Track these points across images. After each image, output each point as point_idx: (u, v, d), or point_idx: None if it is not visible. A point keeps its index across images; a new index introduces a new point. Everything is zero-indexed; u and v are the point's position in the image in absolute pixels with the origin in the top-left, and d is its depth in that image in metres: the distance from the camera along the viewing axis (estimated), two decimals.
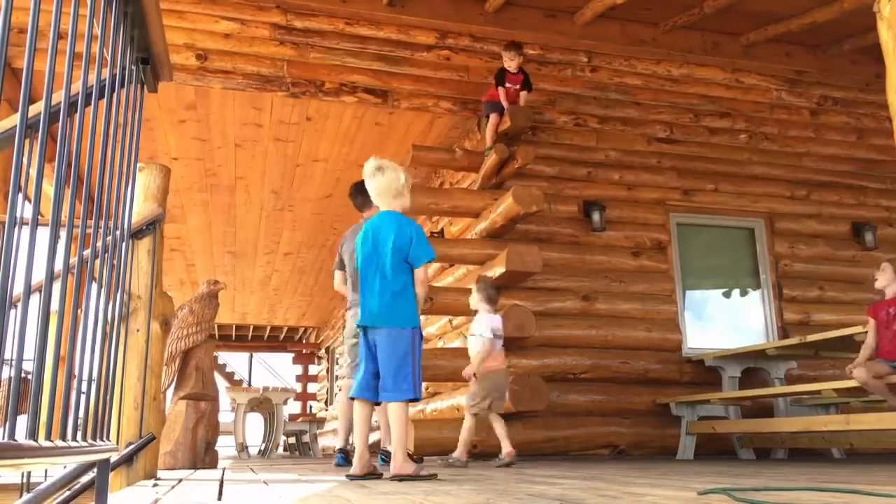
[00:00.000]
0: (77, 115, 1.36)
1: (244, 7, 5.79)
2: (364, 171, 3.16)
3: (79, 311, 1.41)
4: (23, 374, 1.68)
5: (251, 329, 17.74)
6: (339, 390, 3.71)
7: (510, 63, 5.69)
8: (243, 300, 13.91)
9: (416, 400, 2.91)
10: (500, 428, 4.32)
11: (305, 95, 5.83)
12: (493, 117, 5.81)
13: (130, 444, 2.80)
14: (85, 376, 1.49)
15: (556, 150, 6.27)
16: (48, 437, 1.13)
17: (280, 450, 12.10)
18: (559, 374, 5.66)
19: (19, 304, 1.06)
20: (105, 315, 1.62)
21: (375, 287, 2.99)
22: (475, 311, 4.46)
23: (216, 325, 8.81)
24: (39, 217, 1.19)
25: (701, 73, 6.82)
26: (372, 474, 2.96)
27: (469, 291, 5.68)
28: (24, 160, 1.07)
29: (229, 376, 19.77)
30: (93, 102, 1.38)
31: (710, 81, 6.85)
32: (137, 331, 2.92)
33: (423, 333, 3.11)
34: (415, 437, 5.11)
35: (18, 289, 1.10)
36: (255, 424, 10.77)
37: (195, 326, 5.65)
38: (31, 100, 1.09)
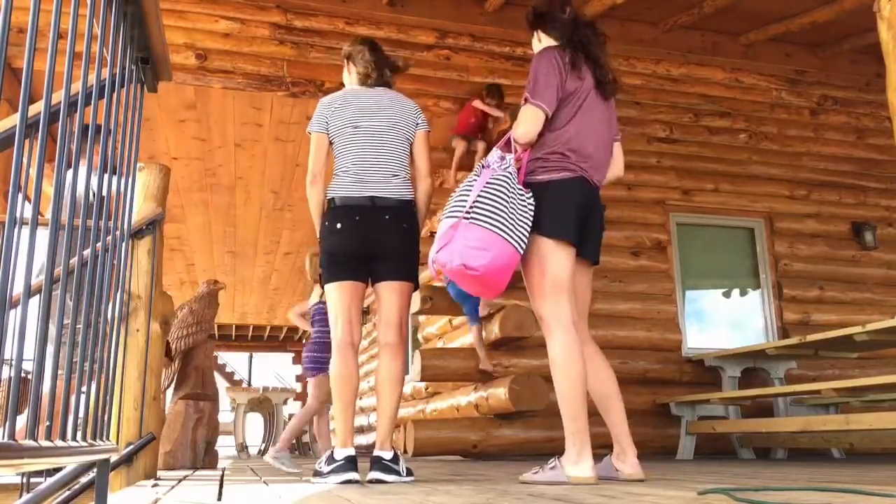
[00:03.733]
0: (77, 115, 1.36)
1: (244, 7, 5.79)
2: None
3: (78, 311, 1.41)
4: (23, 374, 1.68)
5: (251, 329, 17.74)
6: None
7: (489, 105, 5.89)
8: (243, 300, 13.91)
9: None
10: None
11: (305, 95, 5.83)
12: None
13: (130, 444, 2.80)
14: (85, 376, 1.49)
15: None
16: (48, 437, 1.13)
17: None
18: None
19: (19, 305, 1.06)
20: (105, 315, 1.62)
21: None
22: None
23: (216, 325, 8.81)
24: (39, 217, 1.19)
25: (701, 72, 6.81)
26: None
27: None
28: (24, 160, 1.07)
29: (229, 376, 19.79)
30: (93, 102, 1.38)
31: (710, 81, 6.84)
32: (137, 331, 2.92)
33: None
34: (415, 438, 5.12)
35: (18, 289, 1.10)
36: (255, 424, 10.76)
37: (195, 326, 5.66)
38: (31, 100, 1.09)
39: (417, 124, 3.11)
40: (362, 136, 2.95)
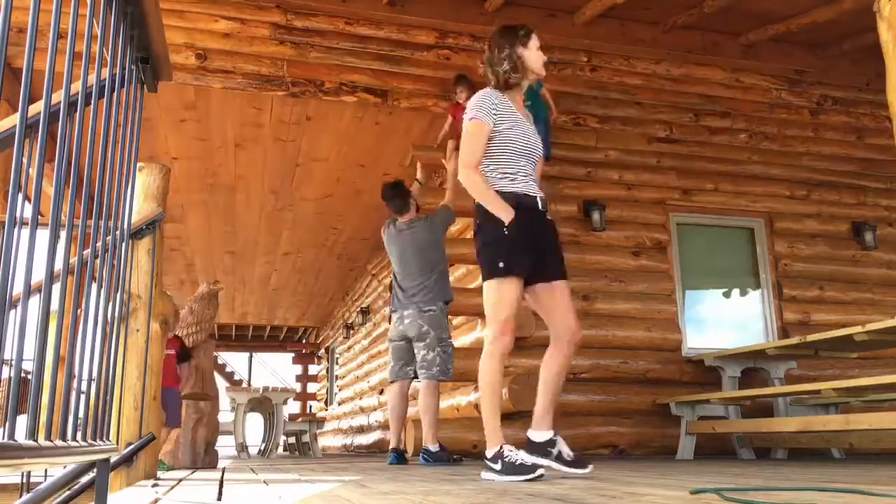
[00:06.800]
0: (77, 115, 1.36)
1: (244, 6, 5.79)
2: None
3: (79, 311, 1.41)
4: (23, 374, 1.68)
5: (251, 329, 17.74)
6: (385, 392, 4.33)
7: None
8: (243, 300, 13.91)
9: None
10: None
11: (305, 95, 5.83)
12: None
13: (130, 444, 2.80)
14: (85, 376, 1.49)
15: (556, 149, 6.27)
16: (48, 437, 1.13)
17: (280, 450, 12.08)
18: None
19: (19, 304, 1.06)
20: (105, 315, 1.62)
21: None
22: None
23: (216, 325, 8.81)
24: (39, 217, 1.19)
25: (701, 72, 6.82)
26: None
27: (469, 291, 5.70)
28: (24, 160, 1.07)
29: (229, 376, 19.80)
30: (93, 102, 1.38)
31: (710, 81, 6.85)
32: (137, 331, 2.92)
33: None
34: (414, 437, 5.12)
35: (18, 289, 1.10)
36: (254, 424, 10.75)
37: (195, 326, 5.67)
38: (31, 100, 1.09)
39: None
40: (523, 138, 2.96)
